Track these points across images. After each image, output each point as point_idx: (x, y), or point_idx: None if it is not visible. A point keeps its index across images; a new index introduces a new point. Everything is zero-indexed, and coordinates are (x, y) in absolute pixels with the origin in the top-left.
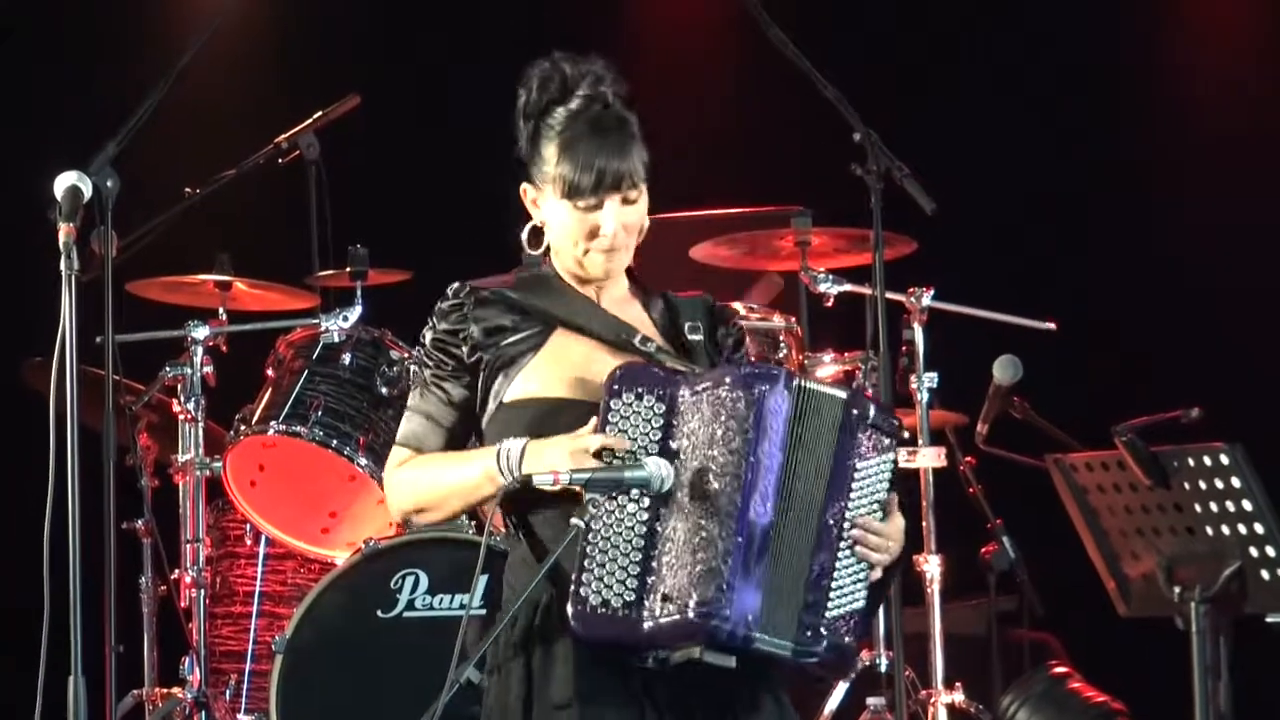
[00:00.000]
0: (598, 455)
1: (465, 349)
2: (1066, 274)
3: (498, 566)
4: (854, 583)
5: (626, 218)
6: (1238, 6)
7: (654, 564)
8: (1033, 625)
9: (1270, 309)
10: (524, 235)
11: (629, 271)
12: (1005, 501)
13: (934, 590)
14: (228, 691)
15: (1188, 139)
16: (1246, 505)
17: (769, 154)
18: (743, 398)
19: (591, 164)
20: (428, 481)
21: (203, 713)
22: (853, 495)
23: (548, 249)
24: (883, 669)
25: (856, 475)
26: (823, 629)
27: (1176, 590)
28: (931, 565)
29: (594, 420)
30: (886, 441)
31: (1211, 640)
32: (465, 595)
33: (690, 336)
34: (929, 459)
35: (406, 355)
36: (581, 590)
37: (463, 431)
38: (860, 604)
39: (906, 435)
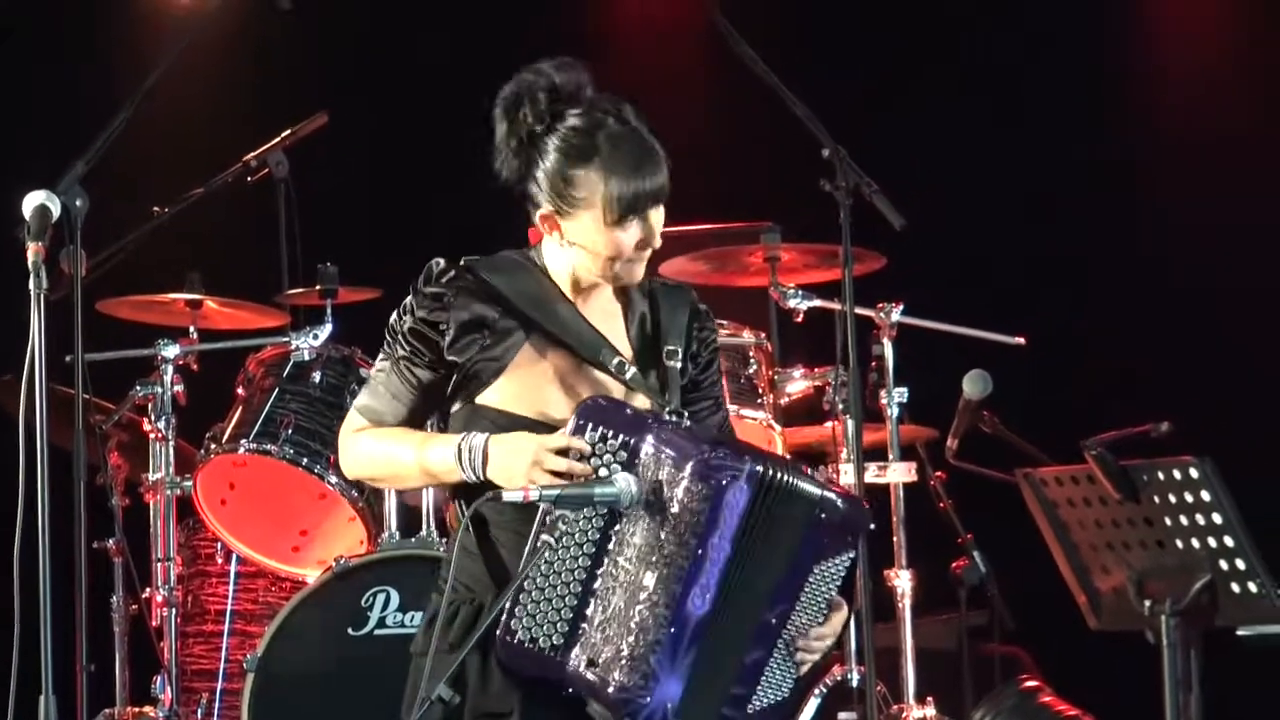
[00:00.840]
0: (553, 474)
1: (444, 341)
2: (1035, 289)
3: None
4: (783, 677)
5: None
6: (1205, 8)
7: (588, 614)
8: (1003, 639)
9: (1239, 325)
10: (534, 250)
11: None
12: (976, 516)
13: (905, 605)
14: (199, 710)
15: (1160, 153)
16: (1216, 518)
17: (739, 170)
18: (701, 489)
19: (643, 185)
20: (386, 456)
21: None
22: (802, 599)
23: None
24: (854, 684)
25: (811, 578)
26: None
27: (1147, 604)
28: (902, 580)
29: (563, 432)
30: (849, 540)
31: (1182, 653)
32: None
33: (668, 363)
34: (899, 474)
35: None
36: (512, 624)
37: (423, 413)
38: (785, 695)
39: (872, 465)
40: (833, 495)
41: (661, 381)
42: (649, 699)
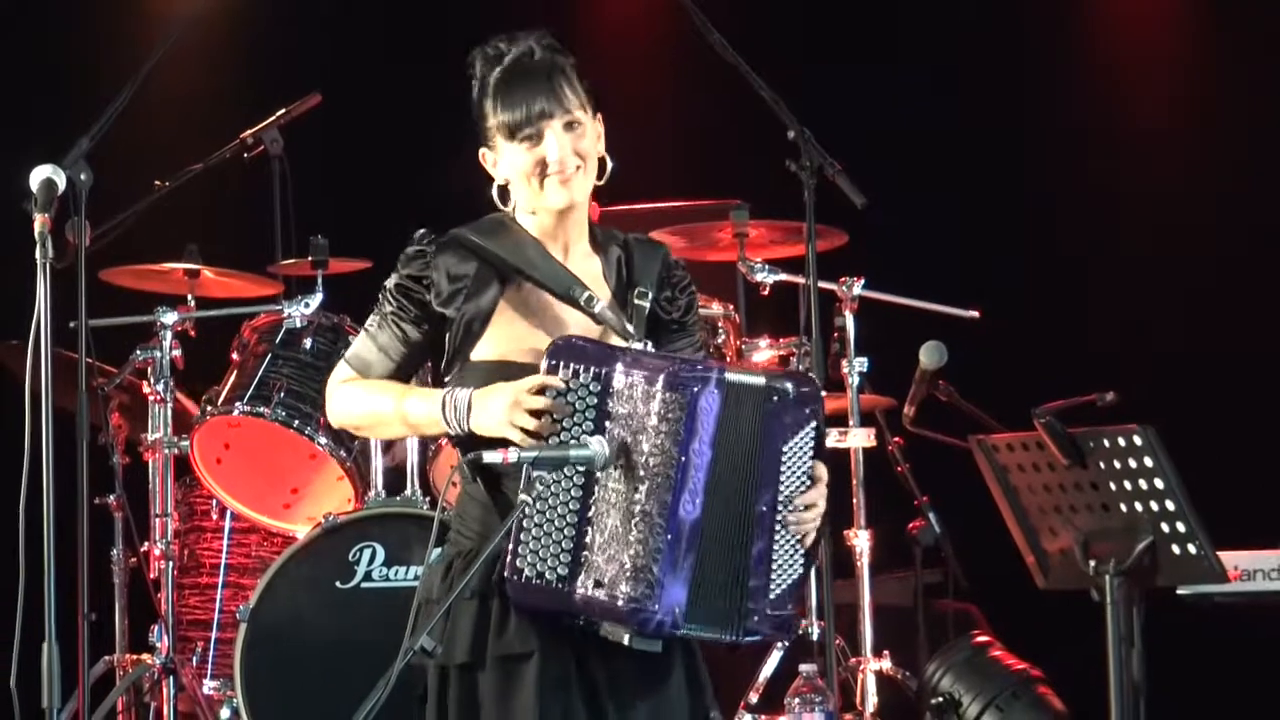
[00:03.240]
0: (536, 415)
1: (430, 295)
2: (989, 264)
3: (455, 510)
4: (791, 557)
5: (572, 144)
6: None
7: (587, 542)
8: (957, 597)
9: (1187, 299)
10: (494, 193)
11: (592, 226)
12: (931, 480)
13: (863, 563)
14: (194, 658)
15: (1115, 129)
16: (1159, 484)
17: (709, 151)
18: (675, 398)
19: (522, 100)
20: (372, 406)
21: (170, 678)
22: (783, 479)
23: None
24: (815, 638)
25: (784, 458)
26: (767, 610)
27: (1092, 564)
28: (861, 540)
29: (537, 377)
30: (807, 411)
31: (1125, 611)
32: (420, 567)
33: (636, 301)
34: (859, 439)
35: None
36: (517, 562)
37: (409, 368)
38: (799, 572)
39: (833, 431)
40: (779, 377)
41: (631, 317)
42: (657, 606)
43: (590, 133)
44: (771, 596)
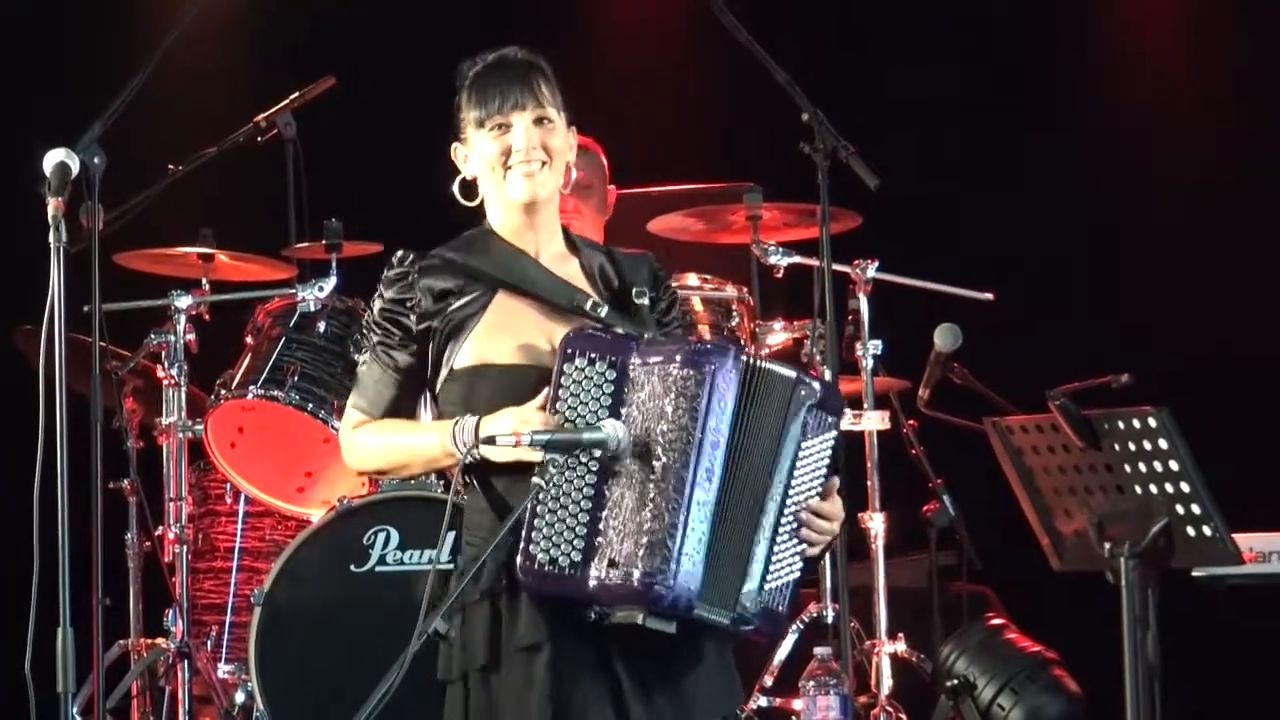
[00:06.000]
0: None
1: (413, 318)
2: (1003, 247)
3: (463, 523)
4: (792, 558)
5: (540, 138)
6: None
7: (601, 526)
8: (971, 579)
9: (1202, 281)
10: (455, 188)
11: (564, 229)
12: (945, 462)
13: (878, 546)
14: (209, 642)
15: (1126, 111)
16: (1173, 465)
17: (724, 134)
18: (693, 375)
19: (495, 91)
20: (385, 448)
21: (185, 662)
22: (797, 476)
23: (483, 204)
24: (829, 620)
25: (801, 455)
26: (761, 602)
27: (1107, 546)
28: (876, 522)
29: (545, 393)
30: (830, 420)
31: (1140, 593)
32: (434, 550)
33: (637, 300)
34: (873, 422)
35: None
36: (531, 548)
37: (410, 396)
38: (795, 576)
39: (848, 413)
40: (808, 376)
41: (635, 314)
42: (672, 582)
43: (561, 131)
44: (767, 589)
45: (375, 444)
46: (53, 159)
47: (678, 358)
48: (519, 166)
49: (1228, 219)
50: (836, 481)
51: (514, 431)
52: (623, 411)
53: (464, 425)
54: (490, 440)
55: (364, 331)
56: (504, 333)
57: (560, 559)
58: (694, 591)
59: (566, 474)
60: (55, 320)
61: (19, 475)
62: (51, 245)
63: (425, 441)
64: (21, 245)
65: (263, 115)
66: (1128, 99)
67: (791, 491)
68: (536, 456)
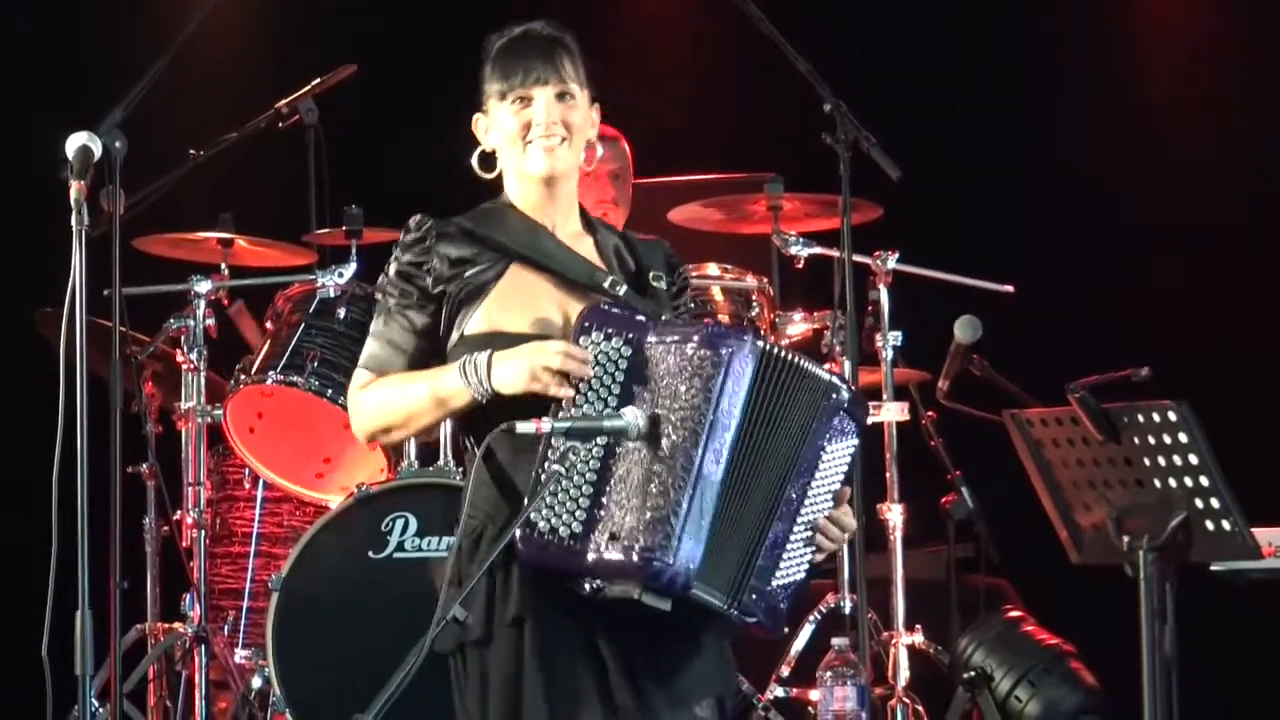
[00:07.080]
0: (560, 375)
1: (429, 280)
2: (1024, 239)
3: (465, 496)
4: (802, 557)
5: (561, 113)
6: None
7: (604, 499)
8: (989, 571)
9: (1223, 274)
10: (474, 160)
11: (581, 208)
12: (964, 454)
13: (896, 538)
14: (226, 627)
15: (1145, 105)
16: (1193, 459)
17: (745, 124)
18: (709, 356)
19: (519, 65)
20: (392, 400)
21: (202, 646)
22: (817, 477)
23: (500, 177)
24: (847, 611)
25: (824, 456)
26: (766, 593)
27: (1126, 539)
28: (894, 514)
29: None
30: (853, 427)
31: (1158, 587)
32: (452, 538)
33: (654, 283)
34: (893, 413)
35: None
36: (532, 516)
37: (424, 358)
38: (802, 576)
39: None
40: (839, 381)
41: (651, 298)
42: (672, 559)
43: (582, 108)
44: (773, 584)
45: (383, 395)
46: (75, 142)
47: (695, 338)
48: (539, 141)
49: (1258, 209)
50: (849, 491)
51: (535, 420)
52: (636, 390)
53: (475, 360)
54: (510, 430)
55: (378, 298)
56: (517, 303)
57: (561, 529)
58: (693, 570)
59: (579, 452)
60: (76, 304)
61: (38, 458)
62: (73, 229)
63: (435, 384)
64: (43, 229)
65: (284, 101)
66: (1156, 87)
67: (811, 492)
68: (556, 393)
